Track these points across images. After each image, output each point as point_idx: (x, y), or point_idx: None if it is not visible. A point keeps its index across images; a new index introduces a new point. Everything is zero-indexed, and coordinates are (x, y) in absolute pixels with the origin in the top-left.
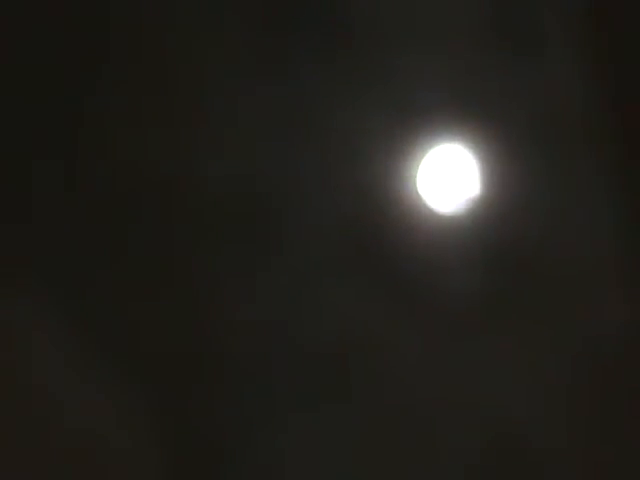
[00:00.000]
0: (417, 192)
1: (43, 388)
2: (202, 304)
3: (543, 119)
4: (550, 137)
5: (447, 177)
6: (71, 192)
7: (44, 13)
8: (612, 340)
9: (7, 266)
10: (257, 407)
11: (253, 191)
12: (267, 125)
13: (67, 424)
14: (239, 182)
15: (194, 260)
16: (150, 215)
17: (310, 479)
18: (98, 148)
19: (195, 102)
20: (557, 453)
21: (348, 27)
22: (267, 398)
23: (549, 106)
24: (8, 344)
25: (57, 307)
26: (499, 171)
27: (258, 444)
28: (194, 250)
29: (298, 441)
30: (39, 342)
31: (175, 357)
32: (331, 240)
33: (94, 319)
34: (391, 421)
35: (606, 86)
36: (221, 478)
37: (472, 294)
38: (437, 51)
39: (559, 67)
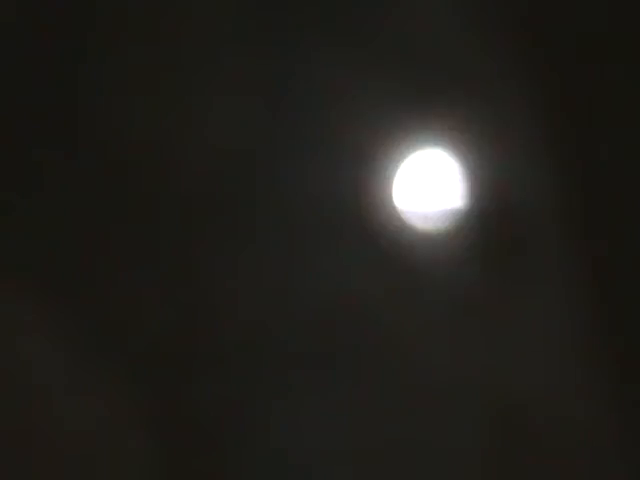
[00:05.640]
0: (398, 181)
1: (29, 385)
2: (189, 282)
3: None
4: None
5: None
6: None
7: None
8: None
9: None
10: (249, 389)
11: (238, 168)
12: (256, 102)
13: (56, 421)
14: (223, 159)
15: (180, 240)
16: (137, 200)
17: (307, 462)
18: (86, 123)
19: (186, 76)
20: (562, 423)
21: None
22: (260, 380)
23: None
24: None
25: (45, 300)
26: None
27: (256, 427)
28: (180, 229)
29: (294, 424)
30: (26, 339)
31: (163, 340)
32: (319, 216)
33: (81, 311)
34: (390, 397)
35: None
36: (214, 467)
37: (469, 276)
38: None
39: None
